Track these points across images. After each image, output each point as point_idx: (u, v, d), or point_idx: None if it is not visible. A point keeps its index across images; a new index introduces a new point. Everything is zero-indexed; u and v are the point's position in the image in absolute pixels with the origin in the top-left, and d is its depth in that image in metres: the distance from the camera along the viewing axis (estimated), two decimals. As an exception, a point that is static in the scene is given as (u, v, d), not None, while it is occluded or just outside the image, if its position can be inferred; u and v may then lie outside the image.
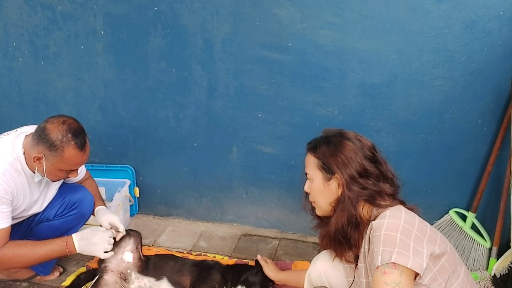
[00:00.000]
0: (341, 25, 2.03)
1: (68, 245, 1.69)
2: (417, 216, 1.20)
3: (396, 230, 1.11)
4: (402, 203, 1.28)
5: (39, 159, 1.62)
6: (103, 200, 2.01)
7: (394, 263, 1.07)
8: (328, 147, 1.32)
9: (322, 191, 1.33)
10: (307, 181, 1.40)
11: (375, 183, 1.27)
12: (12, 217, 1.70)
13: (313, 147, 1.36)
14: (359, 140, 1.32)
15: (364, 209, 1.27)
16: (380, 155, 1.33)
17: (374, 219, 1.20)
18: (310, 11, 2.04)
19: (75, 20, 2.33)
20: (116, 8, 2.26)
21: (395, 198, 1.28)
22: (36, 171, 1.67)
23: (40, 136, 1.60)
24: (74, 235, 1.72)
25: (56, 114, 1.68)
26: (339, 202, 1.29)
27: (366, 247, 1.20)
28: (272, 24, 2.10)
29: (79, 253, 1.73)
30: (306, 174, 1.39)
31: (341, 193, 1.28)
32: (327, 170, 1.31)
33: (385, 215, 1.18)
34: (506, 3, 1.84)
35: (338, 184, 1.29)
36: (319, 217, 1.43)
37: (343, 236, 1.28)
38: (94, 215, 1.94)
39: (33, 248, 1.65)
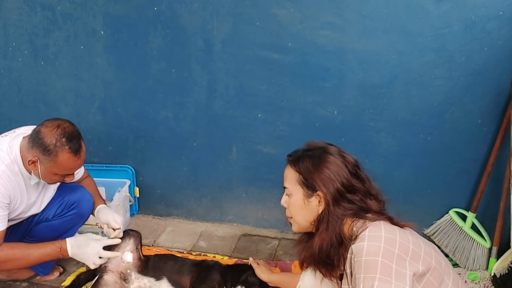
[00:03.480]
0: (341, 25, 2.02)
1: (62, 250, 1.69)
2: (397, 232, 1.14)
3: (376, 254, 1.07)
4: (390, 219, 1.23)
5: (33, 162, 1.61)
6: (103, 199, 2.01)
7: None
8: (311, 161, 1.27)
9: (302, 207, 1.28)
10: (284, 195, 1.35)
11: (362, 199, 1.23)
12: (10, 219, 1.70)
13: (295, 160, 1.31)
14: (342, 156, 1.28)
15: (345, 227, 1.23)
16: (363, 172, 1.29)
17: (354, 239, 1.16)
18: (310, 11, 2.04)
19: (75, 20, 2.33)
20: (116, 8, 2.26)
21: (382, 214, 1.24)
22: (32, 174, 1.67)
23: (35, 140, 1.60)
24: (68, 241, 1.71)
25: (53, 117, 1.67)
26: (321, 220, 1.24)
27: (348, 270, 1.15)
28: (272, 24, 2.10)
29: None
30: (284, 188, 1.34)
31: (323, 211, 1.24)
32: (309, 186, 1.26)
33: (365, 236, 1.12)
34: (506, 3, 1.84)
35: (319, 202, 1.25)
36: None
37: (327, 256, 1.24)
38: (93, 215, 1.94)
39: (27, 251, 1.65)
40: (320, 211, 1.25)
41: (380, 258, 1.06)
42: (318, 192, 1.24)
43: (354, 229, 1.19)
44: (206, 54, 2.23)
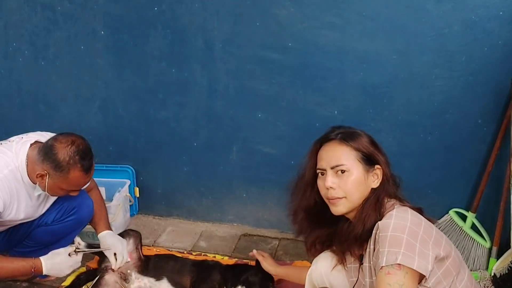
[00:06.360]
0: (341, 25, 2.03)
1: (36, 270, 1.64)
2: (423, 218, 1.19)
3: (402, 231, 1.11)
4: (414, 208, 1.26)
5: (42, 176, 1.60)
6: (108, 222, 1.94)
7: (399, 264, 1.06)
8: (365, 138, 1.29)
9: (361, 183, 1.24)
10: (332, 177, 1.26)
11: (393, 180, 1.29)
12: (7, 220, 1.69)
13: (348, 137, 1.28)
14: None
15: None
16: None
17: (380, 219, 1.19)
18: (310, 11, 2.04)
19: (75, 20, 2.33)
20: (116, 8, 2.26)
21: (403, 200, 1.28)
22: (37, 185, 1.65)
23: (47, 154, 1.58)
24: (43, 262, 1.64)
25: (66, 132, 1.65)
26: (373, 197, 1.24)
27: (372, 246, 1.18)
28: (272, 24, 2.10)
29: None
30: (336, 166, 1.26)
31: (378, 187, 1.25)
32: (368, 161, 1.26)
33: (392, 215, 1.16)
34: (506, 3, 1.84)
35: (377, 177, 1.26)
36: (304, 223, 1.41)
37: (368, 233, 1.22)
38: (90, 224, 1.92)
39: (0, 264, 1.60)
40: (375, 186, 1.26)
41: (405, 236, 1.10)
42: (377, 167, 1.26)
43: (382, 209, 1.22)
44: (206, 54, 2.23)
